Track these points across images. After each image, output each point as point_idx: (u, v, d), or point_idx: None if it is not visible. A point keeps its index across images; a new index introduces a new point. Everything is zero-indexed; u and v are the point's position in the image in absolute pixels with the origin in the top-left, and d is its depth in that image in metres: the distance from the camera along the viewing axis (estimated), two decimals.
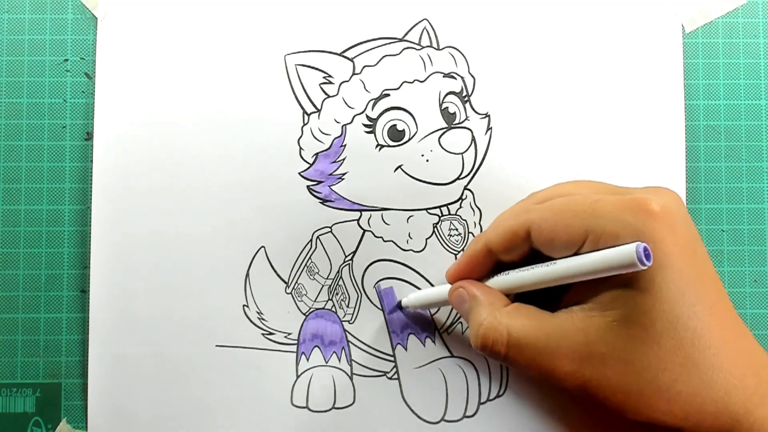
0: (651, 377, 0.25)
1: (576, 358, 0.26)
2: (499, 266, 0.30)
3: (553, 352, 0.26)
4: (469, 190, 0.36)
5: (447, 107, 0.36)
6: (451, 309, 0.36)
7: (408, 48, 0.37)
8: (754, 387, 0.25)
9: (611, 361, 0.26)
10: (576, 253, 0.27)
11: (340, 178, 0.36)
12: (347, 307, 0.36)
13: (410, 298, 0.35)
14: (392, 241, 0.36)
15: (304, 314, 0.36)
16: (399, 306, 0.36)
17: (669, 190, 0.27)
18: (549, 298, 0.29)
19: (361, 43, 0.37)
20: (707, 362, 0.25)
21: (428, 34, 0.37)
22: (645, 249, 0.24)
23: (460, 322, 0.36)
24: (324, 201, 0.36)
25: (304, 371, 0.36)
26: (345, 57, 0.37)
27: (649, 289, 0.25)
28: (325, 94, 0.36)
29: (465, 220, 0.36)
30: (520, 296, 0.29)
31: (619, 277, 0.25)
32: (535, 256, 0.29)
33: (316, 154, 0.36)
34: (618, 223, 0.25)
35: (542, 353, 0.27)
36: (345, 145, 0.36)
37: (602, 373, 0.26)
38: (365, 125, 0.36)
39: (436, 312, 0.36)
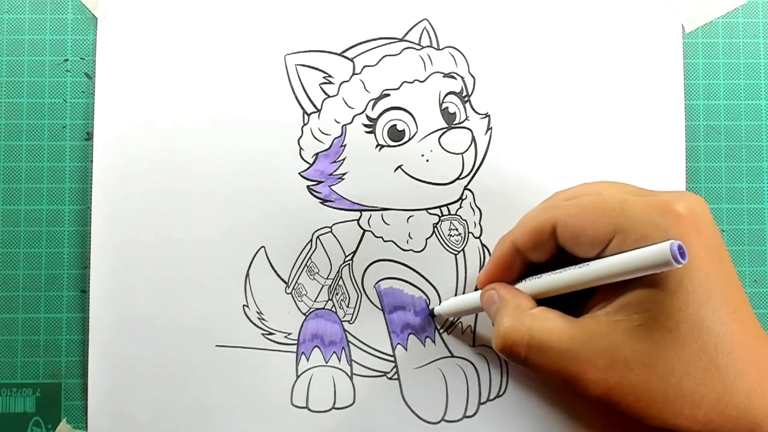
0: (675, 381, 0.25)
1: (600, 365, 0.26)
2: (531, 269, 0.30)
3: (576, 356, 0.26)
4: (469, 190, 0.36)
5: (447, 107, 0.36)
6: None
7: (408, 48, 0.37)
8: None
9: (636, 367, 0.25)
10: (601, 253, 0.27)
11: (340, 178, 0.36)
12: (347, 307, 0.36)
13: (443, 306, 0.35)
14: (392, 241, 0.36)
15: (304, 314, 0.36)
16: (431, 314, 0.36)
17: (694, 194, 0.27)
18: (574, 304, 0.29)
19: (361, 43, 0.37)
20: (730, 367, 0.25)
21: (428, 34, 0.37)
22: (680, 247, 0.23)
23: (461, 323, 0.36)
24: (324, 201, 0.36)
25: (304, 371, 0.36)
26: (345, 57, 0.37)
27: (677, 291, 0.25)
28: (325, 94, 0.36)
29: (465, 220, 0.36)
30: (546, 302, 0.29)
31: (646, 279, 0.25)
32: (563, 258, 0.28)
33: (316, 154, 0.36)
34: (647, 223, 0.25)
35: (564, 357, 0.26)
36: (345, 145, 0.36)
37: (627, 379, 0.26)
38: (365, 125, 0.36)
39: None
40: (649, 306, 0.25)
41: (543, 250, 0.29)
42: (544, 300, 0.29)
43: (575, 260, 0.28)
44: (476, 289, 0.33)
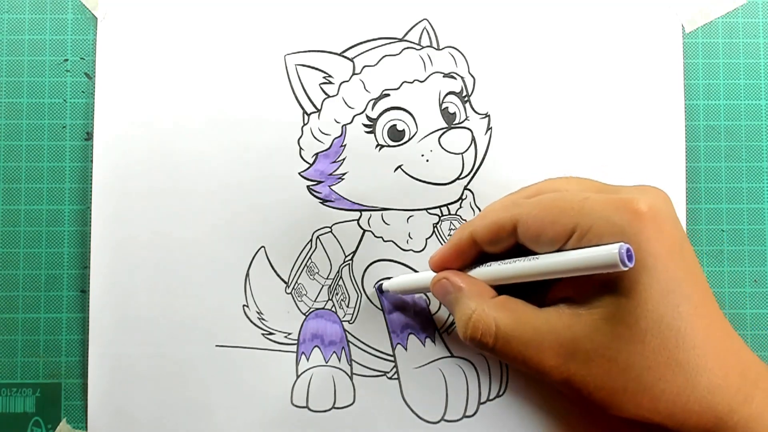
0: (635, 375, 0.25)
1: (561, 354, 0.26)
2: (483, 256, 0.30)
3: (539, 346, 0.27)
4: (469, 190, 0.36)
5: (447, 107, 0.36)
6: None
7: (408, 48, 0.37)
8: (738, 386, 0.25)
9: (596, 358, 0.26)
10: (560, 250, 0.27)
11: (340, 178, 0.36)
12: (347, 307, 0.36)
13: (392, 282, 0.35)
14: (392, 241, 0.36)
15: (304, 314, 0.36)
16: (380, 289, 0.36)
17: (657, 189, 0.27)
18: (535, 292, 0.29)
19: (361, 43, 0.37)
20: (691, 362, 0.25)
21: (428, 34, 0.37)
22: (628, 250, 0.24)
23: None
24: (324, 201, 0.36)
25: (304, 371, 0.36)
26: (345, 57, 0.37)
27: (634, 289, 0.25)
28: (325, 94, 0.36)
29: (465, 220, 0.36)
30: (507, 289, 0.29)
31: (604, 276, 0.25)
32: (519, 249, 0.29)
33: (316, 154, 0.36)
34: (605, 222, 0.25)
35: (528, 347, 0.27)
36: (345, 145, 0.36)
37: (587, 370, 0.26)
38: (365, 125, 0.36)
39: (437, 312, 0.36)
40: (608, 303, 0.26)
41: (500, 245, 0.29)
42: (507, 288, 0.29)
43: (531, 252, 0.28)
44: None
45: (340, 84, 0.36)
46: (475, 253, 0.30)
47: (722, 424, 0.25)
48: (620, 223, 0.25)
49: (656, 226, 0.25)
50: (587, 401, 0.26)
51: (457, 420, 0.36)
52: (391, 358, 0.36)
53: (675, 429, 0.25)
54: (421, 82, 0.36)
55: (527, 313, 0.28)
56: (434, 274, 0.32)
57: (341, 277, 0.36)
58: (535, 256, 0.27)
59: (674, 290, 0.25)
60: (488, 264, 0.30)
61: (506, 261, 0.29)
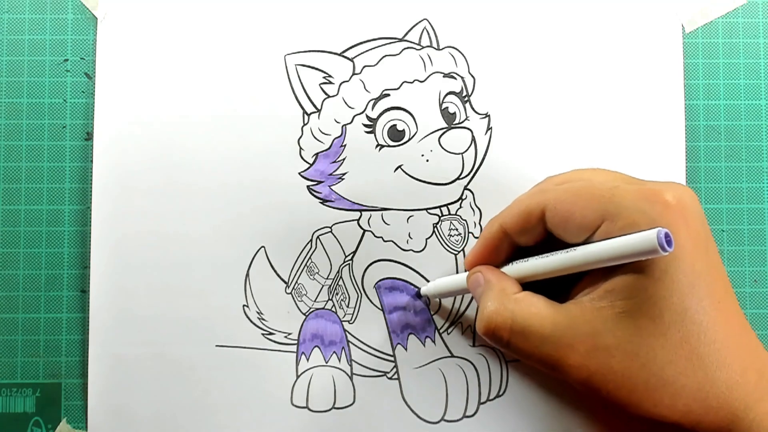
0: (656, 370, 0.25)
1: (582, 350, 0.26)
2: (519, 253, 0.30)
3: (558, 341, 0.26)
4: (469, 190, 0.36)
5: (447, 107, 0.36)
6: (452, 309, 0.36)
7: (408, 48, 0.37)
8: (755, 383, 0.25)
9: (617, 353, 0.26)
10: (589, 238, 0.27)
11: (340, 178, 0.36)
12: (347, 307, 0.36)
13: (429, 286, 0.35)
14: (392, 241, 0.36)
15: (304, 314, 0.36)
16: (417, 295, 0.36)
17: (684, 185, 0.27)
18: (559, 289, 0.29)
19: (361, 43, 0.37)
20: (712, 357, 0.25)
21: (428, 34, 0.37)
22: (666, 235, 0.23)
23: (461, 323, 0.36)
24: (324, 201, 0.36)
25: (304, 371, 0.36)
26: (345, 57, 0.37)
27: (662, 279, 0.25)
28: (325, 94, 0.36)
29: (465, 220, 0.36)
30: (533, 287, 0.29)
31: (631, 266, 0.25)
32: (551, 243, 0.28)
33: (316, 154, 0.36)
34: (635, 210, 0.25)
35: (546, 342, 0.27)
36: (345, 145, 0.36)
37: (608, 366, 0.26)
38: (365, 125, 0.36)
39: (437, 312, 0.36)
40: (634, 293, 0.25)
41: (531, 234, 0.29)
42: (532, 285, 0.29)
43: (563, 245, 0.28)
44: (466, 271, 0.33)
45: (340, 84, 0.36)
46: (507, 247, 0.30)
47: (738, 421, 0.25)
48: (650, 213, 0.25)
49: (684, 218, 0.25)
50: (605, 400, 0.26)
51: (457, 420, 0.36)
52: (391, 358, 0.36)
53: (690, 428, 0.25)
54: (421, 82, 0.36)
55: (547, 308, 0.27)
56: (464, 276, 0.32)
57: (341, 277, 0.36)
58: (571, 248, 0.27)
59: (699, 283, 0.25)
60: (525, 259, 0.29)
61: (542, 255, 0.28)
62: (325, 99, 0.36)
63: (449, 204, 0.36)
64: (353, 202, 0.36)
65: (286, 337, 0.36)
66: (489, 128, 0.37)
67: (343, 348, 0.36)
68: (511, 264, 0.30)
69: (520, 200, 0.29)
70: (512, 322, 0.27)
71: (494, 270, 0.30)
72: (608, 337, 0.26)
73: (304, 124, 0.36)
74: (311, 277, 0.36)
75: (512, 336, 0.27)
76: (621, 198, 0.26)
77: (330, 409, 0.36)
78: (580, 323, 0.26)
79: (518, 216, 0.29)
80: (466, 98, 0.37)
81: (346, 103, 0.36)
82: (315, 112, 0.36)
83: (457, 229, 0.36)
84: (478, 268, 0.31)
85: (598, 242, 0.26)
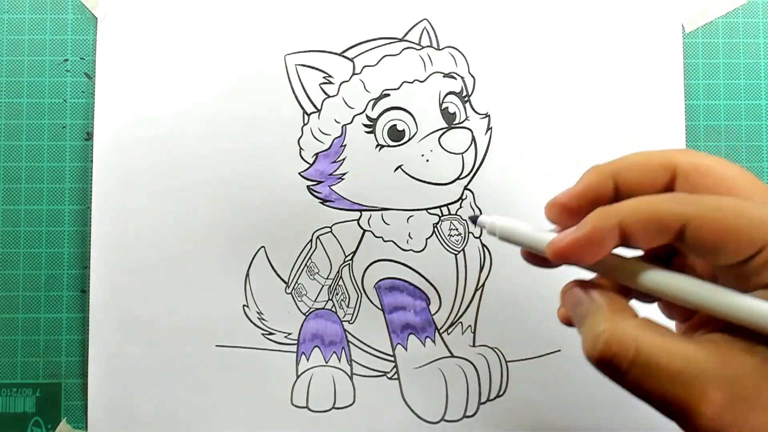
0: None
1: (717, 399, 0.21)
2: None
3: (690, 382, 0.22)
4: (469, 190, 0.36)
5: (447, 107, 0.36)
6: (451, 309, 0.36)
7: (408, 48, 0.37)
8: None
9: (758, 407, 0.21)
10: (734, 267, 0.22)
11: (340, 178, 0.36)
12: (347, 307, 0.36)
13: (498, 220, 0.26)
14: (392, 241, 0.36)
15: (304, 314, 0.36)
16: (473, 220, 0.27)
17: None
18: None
19: (361, 43, 0.37)
20: None
21: (428, 34, 0.37)
22: None
23: (461, 323, 0.36)
24: (324, 201, 0.36)
25: (304, 371, 0.36)
26: (345, 57, 0.37)
27: None
28: (325, 94, 0.36)
29: (465, 220, 0.36)
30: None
31: None
32: (664, 250, 0.24)
33: (316, 154, 0.36)
34: None
35: (675, 382, 0.22)
36: (345, 145, 0.36)
37: (745, 420, 0.21)
38: (365, 125, 0.36)
39: (437, 312, 0.36)
40: None
41: (653, 243, 0.23)
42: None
43: (678, 256, 0.24)
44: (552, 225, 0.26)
45: (340, 84, 0.36)
46: (612, 247, 0.24)
47: None
48: None
49: None
50: None
51: (457, 420, 0.36)
52: (391, 358, 0.36)
53: None
54: (421, 82, 0.36)
55: (674, 340, 0.22)
56: (550, 238, 0.25)
57: (341, 277, 0.36)
58: (743, 293, 0.22)
59: None
60: (656, 269, 0.23)
61: (689, 279, 0.23)
62: (325, 99, 0.36)
63: (449, 204, 0.36)
64: (353, 202, 0.36)
65: (286, 337, 0.36)
66: (489, 128, 0.37)
67: (343, 348, 0.36)
68: (635, 268, 0.24)
69: (651, 202, 0.23)
70: (636, 351, 0.22)
71: (602, 290, 0.24)
72: (749, 386, 0.21)
73: (304, 124, 0.36)
74: (311, 277, 0.36)
75: (632, 368, 0.22)
76: None
77: (330, 409, 0.36)
78: (716, 365, 0.21)
79: (648, 222, 0.23)
80: (466, 98, 0.37)
81: (346, 103, 0.36)
82: (315, 112, 0.36)
83: (457, 229, 0.36)
84: (579, 282, 0.25)
85: None
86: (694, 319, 0.24)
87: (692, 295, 0.22)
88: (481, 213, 0.36)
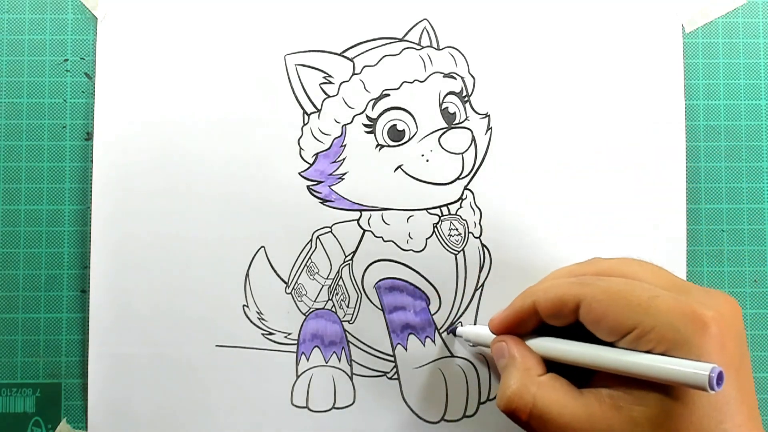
0: None
1: None
2: (546, 326, 0.30)
3: (574, 431, 0.27)
4: (469, 190, 0.36)
5: (447, 107, 0.36)
6: (451, 309, 0.36)
7: (408, 48, 0.37)
8: None
9: None
10: (617, 341, 0.26)
11: (340, 178, 0.36)
12: (347, 307, 0.36)
13: (466, 329, 0.35)
14: (392, 241, 0.36)
15: (304, 314, 0.36)
16: (452, 332, 0.36)
17: (729, 297, 0.27)
18: (581, 370, 0.29)
19: (361, 43, 0.37)
20: None
21: (428, 34, 0.37)
22: (720, 375, 0.23)
23: (460, 322, 0.36)
24: (324, 201, 0.36)
25: (304, 371, 0.36)
26: (345, 57, 0.37)
27: (682, 398, 0.25)
28: (325, 94, 0.36)
29: (465, 220, 0.36)
30: (552, 363, 0.29)
31: None
32: (579, 327, 0.28)
33: (316, 154, 0.36)
34: (669, 328, 0.25)
35: (564, 430, 0.27)
36: (345, 145, 0.36)
37: None
38: (365, 125, 0.36)
39: (437, 312, 0.36)
40: (652, 403, 0.25)
41: (561, 320, 0.29)
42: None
43: (588, 332, 0.28)
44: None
45: (340, 84, 0.36)
46: (535, 322, 0.30)
47: None
48: (684, 333, 0.25)
49: (720, 341, 0.25)
50: None
51: (457, 420, 0.36)
52: (391, 358, 0.36)
53: None
54: (421, 82, 0.36)
55: (567, 397, 0.27)
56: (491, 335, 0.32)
57: (341, 277, 0.36)
58: (610, 347, 0.27)
59: (722, 407, 0.25)
60: (555, 339, 0.29)
61: (578, 343, 0.28)
62: (325, 99, 0.36)
63: (449, 204, 0.36)
64: (353, 202, 0.36)
65: (286, 337, 0.36)
66: (489, 128, 0.37)
67: (343, 348, 0.36)
68: (539, 339, 0.30)
69: (557, 285, 0.29)
70: (533, 407, 0.28)
71: (520, 344, 0.30)
72: None
73: (304, 124, 0.36)
74: (311, 277, 0.36)
75: (531, 419, 0.28)
76: (657, 311, 0.25)
77: (330, 409, 0.36)
78: (598, 419, 0.26)
79: (552, 302, 0.29)
80: (466, 98, 0.37)
81: (346, 103, 0.36)
82: (315, 112, 0.36)
83: (457, 229, 0.36)
84: (503, 337, 0.31)
85: (640, 353, 0.26)
86: (596, 377, 0.28)
87: (569, 354, 0.28)
88: (481, 213, 0.36)
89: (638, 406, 0.26)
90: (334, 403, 0.36)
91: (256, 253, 0.36)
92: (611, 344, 0.27)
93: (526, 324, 0.30)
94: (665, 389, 0.25)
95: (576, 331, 0.28)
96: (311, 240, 0.36)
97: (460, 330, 0.35)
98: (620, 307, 0.26)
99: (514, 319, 0.31)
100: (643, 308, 0.26)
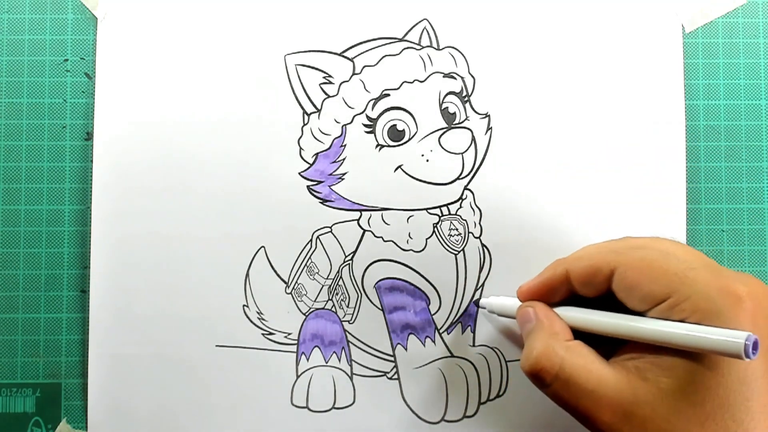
0: None
1: (618, 413, 0.26)
2: (575, 297, 0.30)
3: (598, 399, 0.26)
4: (469, 190, 0.36)
5: (447, 107, 0.36)
6: (451, 309, 0.36)
7: (408, 48, 0.37)
8: None
9: (651, 428, 0.25)
10: (648, 309, 0.26)
11: (340, 178, 0.36)
12: (347, 307, 0.36)
13: (490, 300, 0.35)
14: (392, 241, 0.36)
15: (304, 314, 0.36)
16: (476, 303, 0.36)
17: (758, 280, 0.27)
18: (607, 342, 0.28)
19: (361, 43, 0.37)
20: None
21: (428, 34, 0.37)
22: (755, 342, 0.23)
23: (460, 322, 0.36)
24: (324, 201, 0.36)
25: (304, 371, 0.36)
26: (345, 57, 0.37)
27: (713, 369, 0.25)
28: (325, 94, 0.36)
29: (465, 220, 0.36)
30: (580, 334, 0.29)
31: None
32: (608, 296, 0.28)
33: (316, 154, 0.36)
34: (704, 298, 0.25)
35: (587, 397, 0.27)
36: (345, 145, 0.36)
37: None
38: (365, 125, 0.36)
39: (437, 312, 0.36)
40: (680, 374, 0.25)
41: (593, 288, 0.29)
42: (579, 334, 0.29)
43: (618, 302, 0.28)
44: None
45: (340, 84, 0.36)
46: (565, 291, 0.30)
47: None
48: (719, 304, 0.25)
49: (753, 316, 0.25)
50: None
51: (457, 420, 0.36)
52: (391, 358, 0.36)
53: None
54: (421, 82, 0.36)
55: (594, 363, 0.27)
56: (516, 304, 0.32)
57: (341, 277, 0.36)
58: (642, 317, 0.27)
59: (750, 383, 0.25)
60: (585, 310, 0.29)
61: (609, 314, 0.28)
62: (325, 99, 0.36)
63: (449, 204, 0.36)
64: (353, 202, 0.36)
65: (286, 337, 0.36)
66: (489, 128, 0.37)
67: (343, 348, 0.36)
68: (568, 309, 0.30)
69: (590, 253, 0.29)
70: (560, 369, 0.27)
71: (547, 309, 0.30)
72: (646, 408, 0.26)
73: (304, 124, 0.36)
74: (311, 277, 0.36)
75: (555, 382, 0.27)
76: (694, 282, 0.25)
77: (330, 409, 0.36)
78: (623, 388, 0.26)
79: (586, 269, 0.29)
80: (466, 98, 0.37)
81: (346, 103, 0.36)
82: (315, 112, 0.36)
83: (457, 229, 0.36)
84: (530, 303, 0.31)
85: (675, 323, 0.25)
86: (623, 348, 0.28)
87: (600, 324, 0.28)
88: (481, 213, 0.36)
89: (665, 378, 0.25)
90: (334, 403, 0.36)
91: (256, 253, 0.36)
92: (640, 315, 0.27)
93: (555, 293, 0.30)
94: (695, 360, 0.25)
95: (599, 306, 0.29)
96: (311, 240, 0.36)
97: (483, 301, 0.35)
98: (656, 276, 0.26)
99: (544, 287, 0.30)
100: (679, 278, 0.26)
